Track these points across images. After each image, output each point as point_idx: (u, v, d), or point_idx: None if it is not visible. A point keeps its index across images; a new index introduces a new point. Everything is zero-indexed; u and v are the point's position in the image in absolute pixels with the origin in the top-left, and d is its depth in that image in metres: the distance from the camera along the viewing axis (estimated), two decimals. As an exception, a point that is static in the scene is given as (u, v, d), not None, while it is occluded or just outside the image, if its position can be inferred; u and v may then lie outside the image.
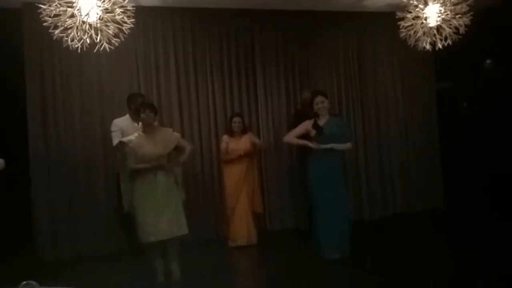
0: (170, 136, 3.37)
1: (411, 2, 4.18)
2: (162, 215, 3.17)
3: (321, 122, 3.81)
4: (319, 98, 3.79)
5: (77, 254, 4.46)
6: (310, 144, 3.76)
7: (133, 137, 3.28)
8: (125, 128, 3.92)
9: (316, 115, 3.85)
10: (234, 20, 5.12)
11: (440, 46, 4.21)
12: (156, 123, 3.50)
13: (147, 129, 3.29)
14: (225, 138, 4.59)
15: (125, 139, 3.32)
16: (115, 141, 3.89)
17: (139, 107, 3.39)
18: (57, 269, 4.09)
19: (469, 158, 5.66)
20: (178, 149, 3.37)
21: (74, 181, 4.54)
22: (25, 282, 1.02)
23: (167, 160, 3.26)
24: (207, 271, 3.67)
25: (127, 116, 4.09)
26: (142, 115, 3.28)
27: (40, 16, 3.45)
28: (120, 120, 4.06)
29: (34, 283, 1.02)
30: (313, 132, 3.80)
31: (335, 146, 3.77)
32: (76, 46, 3.52)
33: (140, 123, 3.42)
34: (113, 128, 4.02)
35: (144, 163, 3.18)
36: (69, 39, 3.50)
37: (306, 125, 3.88)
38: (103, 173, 4.57)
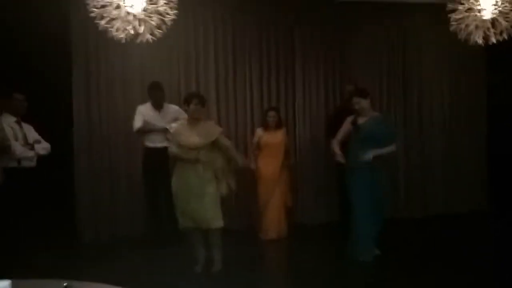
0: (211, 129, 3.33)
1: (464, -8, 3.92)
2: (196, 206, 3.21)
3: (362, 120, 3.65)
4: (354, 100, 3.65)
5: (116, 237, 4.63)
6: (339, 159, 3.63)
7: (176, 124, 3.33)
8: (145, 114, 4.13)
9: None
10: (274, 10, 5.04)
11: (495, 41, 3.93)
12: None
13: (192, 120, 3.29)
14: (258, 131, 4.57)
15: (173, 124, 3.39)
16: (137, 124, 4.12)
17: (187, 97, 3.37)
18: (95, 251, 4.28)
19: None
20: (217, 144, 3.31)
21: (115, 166, 4.70)
22: (65, 284, 1.06)
23: (208, 153, 3.25)
24: (236, 263, 3.68)
25: (149, 104, 4.22)
26: (191, 106, 3.26)
27: (87, 6, 3.53)
28: (142, 107, 4.24)
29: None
30: (352, 130, 3.68)
31: (366, 158, 3.47)
32: (120, 36, 3.58)
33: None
34: (136, 112, 4.20)
35: (182, 151, 3.20)
36: (113, 30, 3.56)
37: (348, 123, 3.74)
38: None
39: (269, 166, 4.46)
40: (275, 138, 4.47)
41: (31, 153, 3.71)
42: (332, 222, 4.95)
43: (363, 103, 3.63)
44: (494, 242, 4.33)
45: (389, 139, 3.65)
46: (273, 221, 4.44)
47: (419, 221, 5.21)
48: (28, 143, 3.73)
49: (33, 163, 3.72)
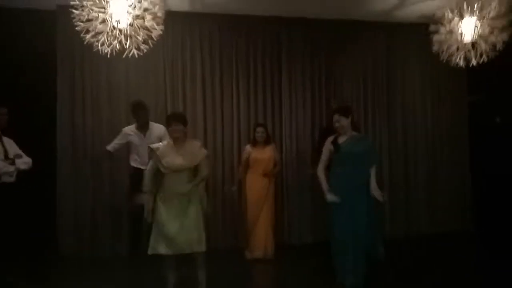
0: (196, 151, 3.27)
1: (445, 15, 4.03)
2: (180, 229, 3.13)
3: (342, 139, 3.60)
4: (334, 117, 3.61)
5: (97, 253, 4.54)
6: (328, 197, 3.52)
7: (161, 145, 3.29)
8: (130, 136, 4.15)
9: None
10: (262, 27, 5.09)
11: (475, 63, 4.03)
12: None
13: (176, 140, 3.26)
14: (247, 147, 4.56)
15: (154, 145, 3.31)
16: (108, 147, 4.22)
17: (167, 118, 3.34)
18: (76, 267, 4.20)
19: (502, 176, 5.43)
20: (198, 167, 3.28)
21: (99, 180, 4.63)
22: None
23: (192, 172, 3.22)
24: (220, 282, 3.63)
25: (133, 126, 4.22)
26: (169, 128, 3.25)
27: (73, 20, 3.51)
28: (127, 129, 4.23)
29: None
30: (332, 150, 3.62)
31: (379, 196, 3.48)
32: (106, 51, 3.56)
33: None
34: (120, 135, 4.22)
35: (169, 173, 3.16)
36: (99, 44, 3.55)
37: (329, 143, 3.69)
38: (127, 173, 4.59)
39: (258, 182, 4.44)
40: (264, 154, 4.47)
41: (11, 168, 3.63)
42: (319, 242, 4.90)
43: (343, 122, 3.57)
44: (478, 261, 4.37)
45: (371, 159, 3.63)
46: (261, 239, 4.40)
47: (403, 240, 5.21)
48: (9, 157, 3.65)
49: (12, 179, 3.64)
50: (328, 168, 3.71)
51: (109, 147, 4.24)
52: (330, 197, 3.49)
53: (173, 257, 3.25)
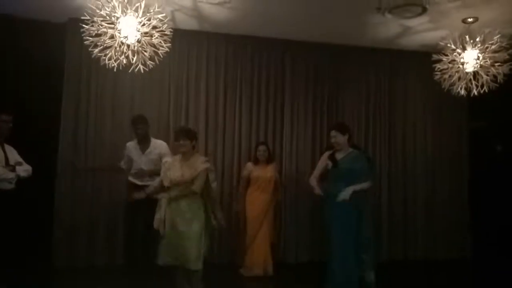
0: (196, 164, 3.28)
1: (448, 45, 4.11)
2: (179, 243, 3.17)
3: (340, 155, 3.66)
4: (331, 133, 3.70)
5: (91, 265, 4.51)
6: (317, 192, 3.68)
7: (172, 158, 3.43)
8: (130, 150, 4.11)
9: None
10: (267, 49, 5.18)
11: (476, 93, 4.09)
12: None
13: (183, 155, 3.33)
14: (249, 165, 4.57)
15: (165, 159, 3.47)
16: (122, 165, 4.21)
17: (175, 133, 3.45)
18: (70, 277, 4.17)
19: (501, 205, 5.39)
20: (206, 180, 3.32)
21: (97, 193, 4.63)
22: None
23: (198, 188, 3.23)
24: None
25: (135, 141, 4.16)
26: (175, 143, 3.36)
27: (83, 34, 3.59)
28: (129, 144, 4.20)
29: None
30: (330, 165, 3.69)
31: (343, 196, 3.48)
32: (113, 65, 3.63)
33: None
34: (126, 150, 4.20)
35: (172, 186, 3.23)
36: (106, 58, 3.62)
37: (325, 158, 3.78)
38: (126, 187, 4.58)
39: (258, 201, 4.44)
40: (266, 172, 4.49)
41: (11, 175, 3.64)
42: (314, 262, 4.86)
43: (339, 138, 3.62)
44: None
45: (366, 175, 3.68)
46: (260, 256, 4.36)
47: (400, 265, 5.15)
48: (9, 164, 3.67)
49: (11, 185, 3.64)
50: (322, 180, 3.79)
51: (121, 164, 4.22)
52: (317, 190, 3.69)
53: (182, 269, 3.25)
